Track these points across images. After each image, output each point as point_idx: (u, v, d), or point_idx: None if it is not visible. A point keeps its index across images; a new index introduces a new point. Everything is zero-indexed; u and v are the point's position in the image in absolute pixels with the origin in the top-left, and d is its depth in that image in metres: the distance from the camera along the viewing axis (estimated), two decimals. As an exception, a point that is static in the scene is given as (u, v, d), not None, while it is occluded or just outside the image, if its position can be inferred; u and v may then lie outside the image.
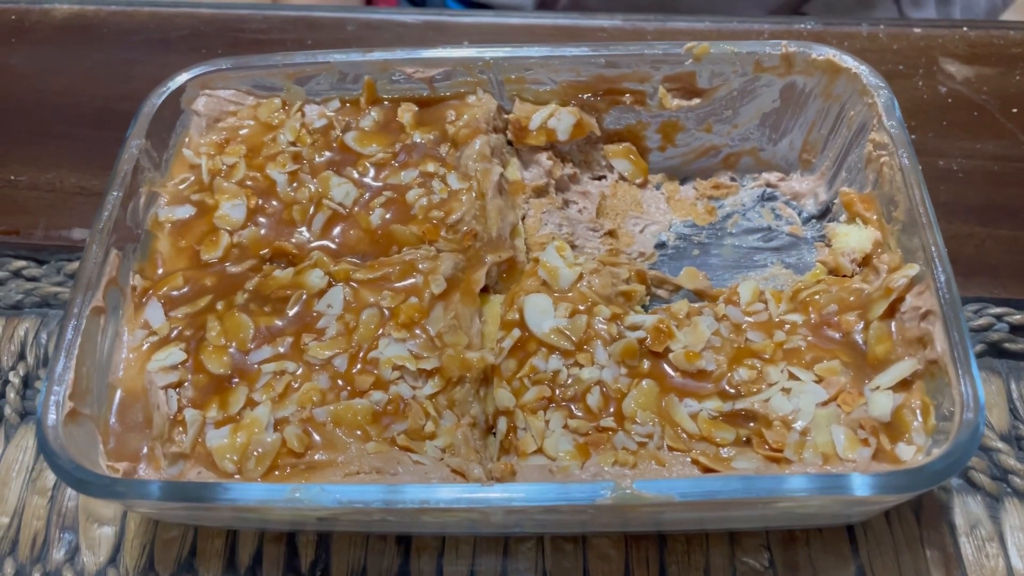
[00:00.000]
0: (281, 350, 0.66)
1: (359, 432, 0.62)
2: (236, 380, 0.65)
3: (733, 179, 0.83)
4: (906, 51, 0.95)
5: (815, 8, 1.24)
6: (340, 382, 0.64)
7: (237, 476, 0.61)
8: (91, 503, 0.72)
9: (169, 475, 0.62)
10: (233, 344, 0.66)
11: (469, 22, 1.01)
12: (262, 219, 0.74)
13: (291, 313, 0.68)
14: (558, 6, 1.23)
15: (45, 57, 1.01)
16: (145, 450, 0.64)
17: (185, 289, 0.70)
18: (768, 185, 0.82)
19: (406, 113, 0.79)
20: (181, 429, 0.63)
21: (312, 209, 0.74)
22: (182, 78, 0.77)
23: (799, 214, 0.81)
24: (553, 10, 1.22)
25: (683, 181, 0.84)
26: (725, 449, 0.61)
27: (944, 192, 0.84)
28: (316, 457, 0.61)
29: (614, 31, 0.98)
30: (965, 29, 0.96)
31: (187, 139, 0.78)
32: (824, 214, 0.80)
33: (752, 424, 0.61)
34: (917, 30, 0.96)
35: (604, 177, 0.83)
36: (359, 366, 0.65)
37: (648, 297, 0.75)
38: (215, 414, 0.63)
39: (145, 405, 0.65)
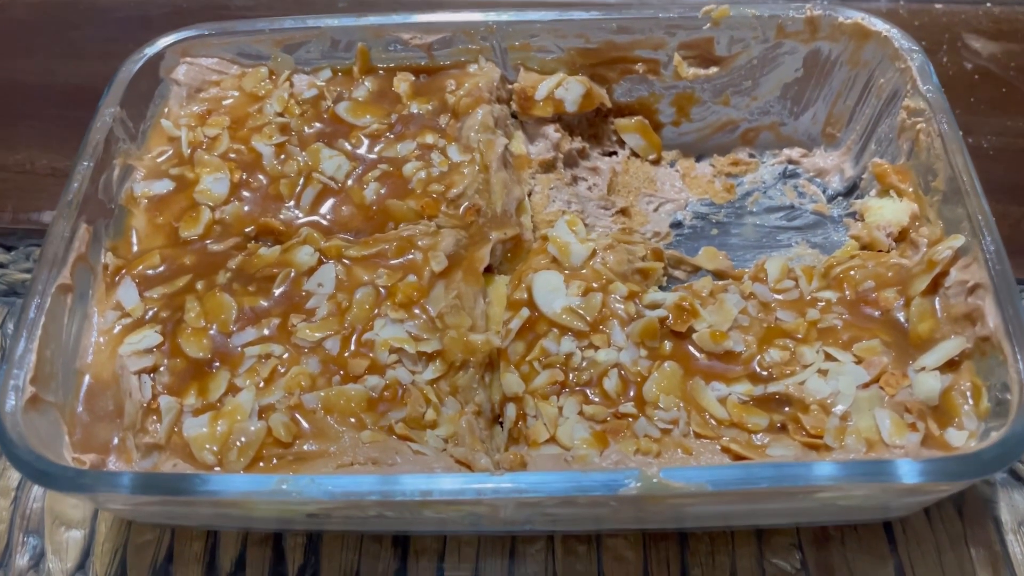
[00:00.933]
0: (266, 332, 0.60)
1: (353, 420, 0.56)
2: (217, 364, 0.59)
3: (752, 155, 0.78)
4: (929, 27, 0.90)
5: None
6: (332, 366, 0.59)
7: (217, 468, 0.55)
8: (58, 504, 0.66)
9: (142, 468, 0.56)
10: (214, 326, 0.60)
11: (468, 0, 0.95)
12: (246, 194, 0.68)
13: (278, 293, 0.62)
14: None
15: (17, 35, 0.96)
16: (116, 441, 0.58)
17: (162, 268, 0.64)
18: (790, 161, 0.77)
19: (403, 83, 0.73)
20: (155, 418, 0.57)
21: (301, 183, 0.68)
22: (161, 43, 0.72)
23: (824, 191, 0.75)
24: None
25: (699, 158, 0.79)
26: (758, 436, 0.55)
27: (975, 171, 0.79)
28: (305, 447, 0.55)
29: (619, 6, 0.93)
30: (989, 5, 0.92)
31: (166, 109, 0.72)
32: (851, 191, 0.74)
33: (787, 409, 0.56)
34: (939, 6, 0.92)
35: (615, 153, 0.77)
36: (352, 349, 0.59)
37: (665, 279, 0.69)
38: (193, 401, 0.57)
39: (116, 392, 0.59)
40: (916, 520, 0.63)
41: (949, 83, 0.86)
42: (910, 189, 0.66)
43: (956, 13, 0.91)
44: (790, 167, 0.77)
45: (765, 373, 0.57)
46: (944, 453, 0.53)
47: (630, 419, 0.56)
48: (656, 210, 0.75)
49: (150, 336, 0.60)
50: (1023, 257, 0.74)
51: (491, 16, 0.71)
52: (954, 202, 0.61)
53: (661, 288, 0.68)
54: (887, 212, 0.66)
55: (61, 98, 0.90)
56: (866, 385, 0.56)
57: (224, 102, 0.73)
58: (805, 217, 0.74)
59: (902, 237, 0.65)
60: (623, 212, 0.74)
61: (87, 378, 0.60)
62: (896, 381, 0.56)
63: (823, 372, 0.57)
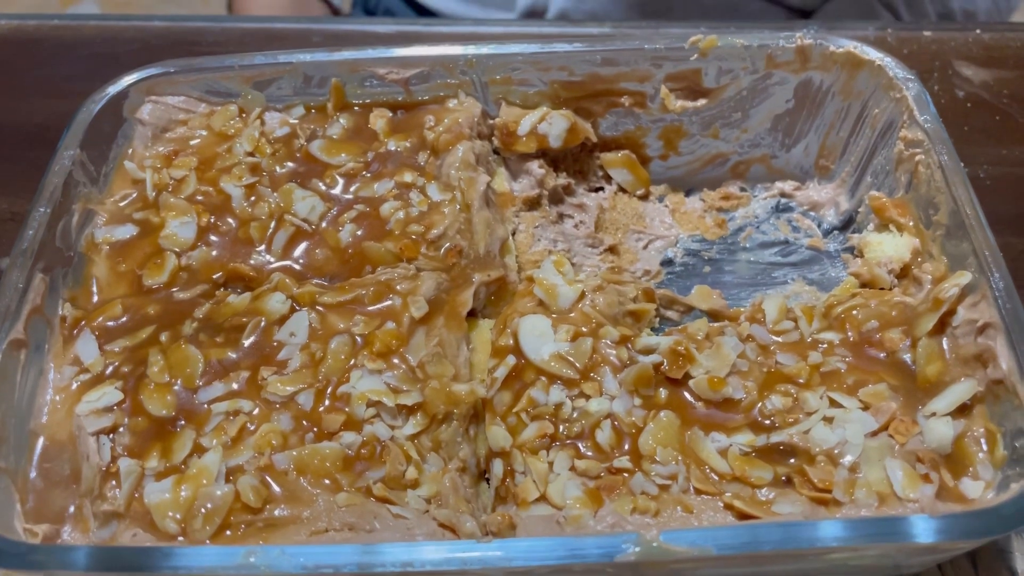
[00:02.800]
0: (235, 387, 0.56)
1: (328, 481, 0.52)
2: (182, 423, 0.55)
3: (743, 189, 0.75)
4: (918, 55, 0.88)
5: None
6: (305, 423, 0.55)
7: (181, 538, 0.50)
8: None
9: (99, 539, 0.52)
10: (179, 381, 0.57)
11: (447, 31, 0.93)
12: (214, 238, 0.64)
13: (247, 343, 0.58)
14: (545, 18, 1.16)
15: (-21, 74, 0.92)
16: (72, 509, 0.54)
17: (124, 319, 0.61)
18: (783, 195, 0.74)
19: (379, 119, 0.70)
20: (115, 483, 0.53)
21: (273, 226, 0.65)
22: (124, 82, 0.68)
23: (819, 225, 0.73)
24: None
25: (688, 192, 0.76)
26: (763, 490, 0.51)
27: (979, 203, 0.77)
28: (276, 513, 0.51)
29: (603, 38, 0.90)
30: (978, 32, 0.90)
31: (130, 151, 0.69)
32: (847, 225, 0.72)
33: (792, 460, 0.52)
34: (928, 33, 0.90)
35: (601, 189, 0.75)
36: (327, 403, 0.55)
37: (657, 319, 0.66)
38: (155, 464, 0.53)
39: (73, 455, 0.55)
40: (929, 575, 0.59)
41: (941, 112, 0.82)
42: (910, 223, 0.63)
43: (946, 40, 0.89)
44: (783, 201, 0.74)
45: (767, 422, 0.54)
46: (960, 506, 0.50)
47: (625, 475, 0.52)
48: (646, 247, 0.72)
49: (110, 393, 0.56)
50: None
51: (471, 49, 0.69)
52: (958, 236, 0.58)
53: (654, 330, 0.65)
54: (887, 248, 0.63)
55: (23, 138, 0.86)
56: (875, 433, 0.53)
57: (191, 142, 0.69)
58: (800, 252, 0.72)
59: (904, 274, 0.62)
60: (611, 250, 0.71)
61: (41, 440, 0.55)
62: (906, 428, 0.53)
63: (828, 420, 0.54)
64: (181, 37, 0.94)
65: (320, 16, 1.07)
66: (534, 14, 1.15)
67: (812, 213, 0.73)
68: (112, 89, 0.68)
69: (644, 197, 0.75)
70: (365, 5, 1.31)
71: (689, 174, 0.76)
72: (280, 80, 0.70)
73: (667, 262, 0.72)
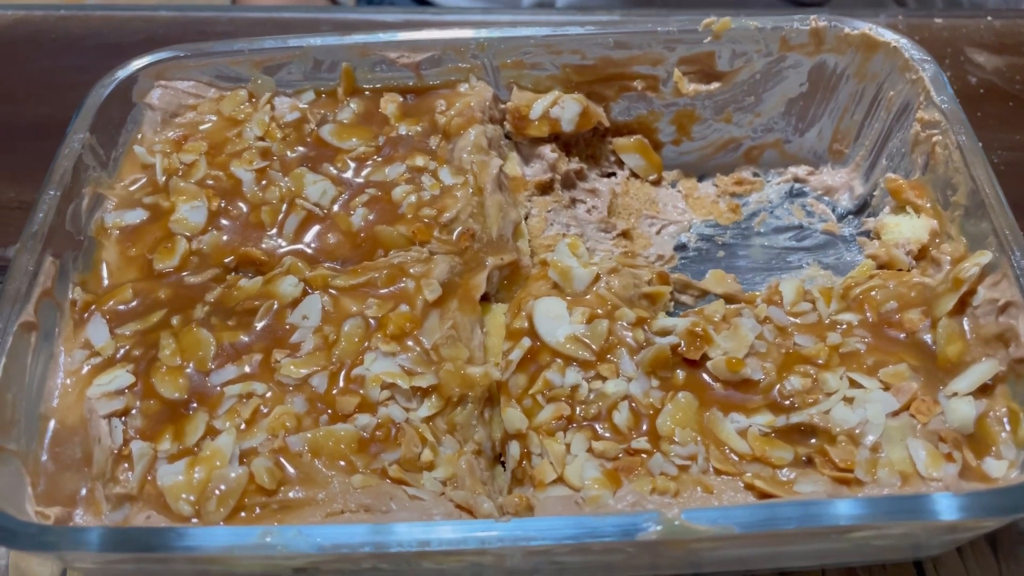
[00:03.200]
0: (248, 369, 0.56)
1: (343, 463, 0.52)
2: (194, 406, 0.54)
3: (756, 174, 0.75)
4: (930, 42, 0.88)
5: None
6: (319, 405, 0.54)
7: (195, 520, 0.50)
8: (24, 561, 0.60)
9: (112, 521, 0.51)
10: (191, 364, 0.56)
11: (455, 20, 0.92)
12: (225, 223, 0.64)
13: (259, 327, 0.58)
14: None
15: (-15, 65, 0.91)
16: (83, 492, 0.53)
17: (134, 303, 0.60)
18: (796, 180, 0.74)
19: (390, 104, 0.70)
20: (127, 465, 0.52)
21: (284, 210, 0.64)
22: (134, 66, 0.68)
23: (833, 210, 0.72)
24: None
25: (701, 178, 0.75)
26: (784, 470, 0.51)
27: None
28: (291, 495, 0.50)
29: (615, 24, 0.90)
30: (989, 19, 0.90)
31: (139, 136, 0.68)
32: (862, 209, 0.71)
33: (813, 440, 0.52)
34: (939, 20, 0.90)
35: (614, 174, 0.74)
36: (341, 385, 0.55)
37: (672, 304, 0.65)
38: (168, 446, 0.53)
39: (84, 439, 0.54)
40: (948, 558, 0.59)
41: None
42: (928, 204, 0.62)
43: (957, 27, 0.89)
44: (796, 185, 0.74)
45: (787, 402, 0.53)
46: (984, 485, 0.49)
47: (644, 455, 0.52)
48: (659, 232, 0.71)
49: (121, 376, 0.55)
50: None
51: (482, 33, 0.68)
52: (977, 216, 0.57)
53: (669, 314, 0.64)
54: (905, 229, 0.63)
55: (30, 130, 0.85)
56: (896, 413, 0.52)
57: (201, 127, 0.69)
58: (815, 237, 0.71)
59: (922, 255, 0.62)
60: (624, 235, 0.70)
61: (52, 423, 0.55)
62: (928, 408, 0.52)
63: (849, 400, 0.53)
64: (188, 27, 0.94)
65: (328, 6, 1.07)
66: (542, 5, 1.15)
67: (826, 198, 0.73)
68: (121, 73, 0.67)
69: (657, 182, 0.74)
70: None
71: (702, 159, 0.75)
72: (290, 65, 0.70)
73: (680, 247, 0.71)
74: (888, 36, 0.66)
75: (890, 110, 0.67)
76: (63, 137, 0.64)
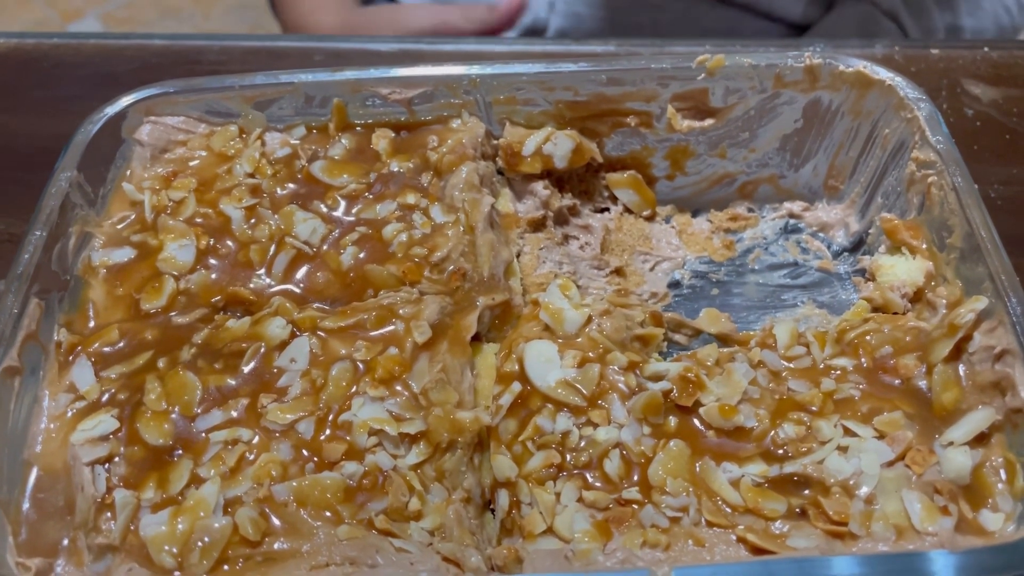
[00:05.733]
0: (234, 414, 0.55)
1: (328, 513, 0.51)
2: (179, 452, 0.54)
3: (751, 210, 0.74)
4: (926, 73, 0.87)
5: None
6: (305, 452, 0.53)
7: (178, 573, 0.49)
8: (5, 607, 0.59)
9: (94, 573, 0.50)
10: (176, 408, 0.55)
11: (449, 50, 0.92)
12: (214, 261, 0.63)
13: (246, 370, 0.57)
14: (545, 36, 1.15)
15: (-24, 94, 0.91)
16: (65, 542, 0.52)
17: (121, 344, 0.59)
18: (791, 216, 0.73)
19: (382, 139, 0.69)
20: (110, 515, 0.51)
21: (273, 249, 0.63)
22: (123, 102, 0.67)
23: (828, 247, 0.71)
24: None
25: (695, 213, 0.75)
26: (777, 523, 0.50)
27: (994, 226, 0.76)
28: (276, 546, 0.50)
29: (608, 56, 0.89)
30: (986, 50, 0.89)
31: (128, 172, 0.67)
32: (857, 246, 0.71)
33: (806, 491, 0.51)
34: (935, 51, 0.89)
35: (607, 209, 0.73)
36: (328, 432, 0.54)
37: (665, 343, 0.65)
38: (152, 495, 0.52)
39: (67, 486, 0.53)
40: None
41: (951, 131, 0.82)
42: (923, 246, 0.62)
43: (953, 59, 0.88)
44: (791, 221, 0.73)
45: (780, 451, 0.53)
46: (980, 539, 0.49)
47: (635, 506, 0.51)
48: (652, 269, 0.71)
49: (106, 422, 0.55)
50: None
51: (474, 69, 0.68)
52: (973, 260, 0.57)
53: (661, 354, 0.64)
54: (900, 271, 0.62)
55: (21, 160, 0.85)
56: (891, 463, 0.51)
57: (191, 163, 0.68)
58: (810, 274, 0.70)
59: (917, 298, 0.61)
60: (618, 272, 0.70)
61: (35, 470, 0.54)
62: (923, 458, 0.51)
63: (843, 449, 0.52)
64: (181, 56, 0.93)
65: (322, 35, 1.06)
66: (534, 32, 1.15)
67: (821, 234, 0.72)
68: (110, 110, 0.67)
69: (650, 218, 0.74)
70: None
71: (696, 194, 0.74)
72: (281, 100, 0.69)
73: (674, 284, 0.70)
74: (883, 74, 0.65)
75: (885, 148, 0.67)
76: (51, 173, 0.63)
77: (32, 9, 2.66)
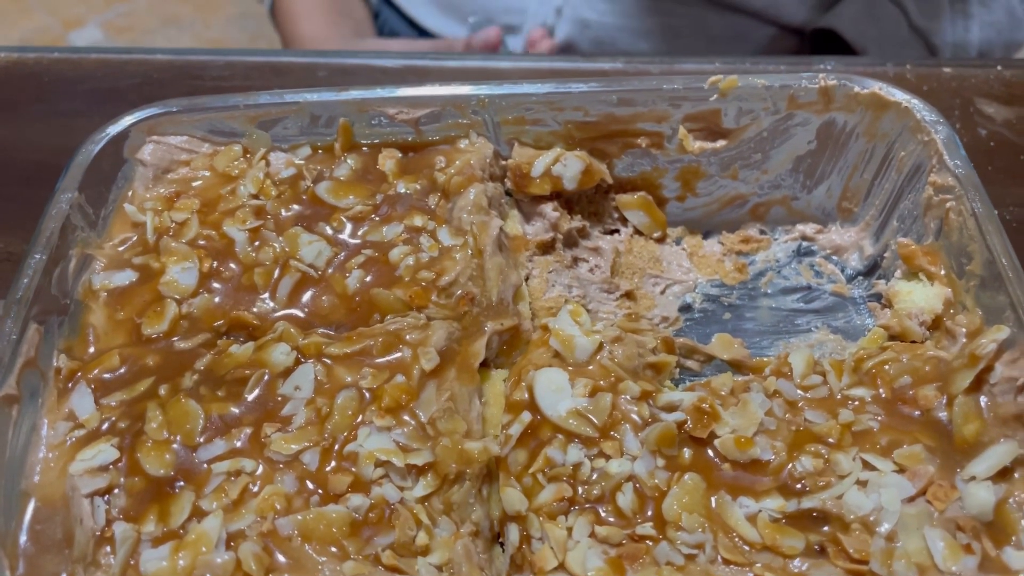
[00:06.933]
0: (237, 444, 0.54)
1: (334, 549, 0.50)
2: (180, 484, 0.52)
3: (763, 232, 0.73)
4: (938, 92, 0.86)
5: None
6: (310, 484, 0.52)
7: (178, 610, 0.48)
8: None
9: (92, 609, 0.49)
10: (178, 438, 0.54)
11: (455, 67, 0.91)
12: (217, 285, 0.62)
13: (250, 398, 0.56)
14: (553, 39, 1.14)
15: (-24, 109, 0.90)
16: (63, 576, 0.51)
17: (122, 370, 0.58)
18: (804, 238, 0.72)
19: (388, 160, 0.68)
20: (109, 548, 0.50)
21: (277, 272, 0.62)
22: (125, 122, 0.66)
23: (842, 270, 0.70)
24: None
25: (706, 235, 0.73)
26: (795, 561, 0.49)
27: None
28: (280, 583, 0.48)
29: (616, 74, 0.89)
30: (999, 68, 0.88)
31: (130, 193, 0.66)
32: (872, 270, 0.69)
33: (825, 528, 0.50)
34: (947, 70, 0.88)
35: (617, 231, 0.72)
36: (333, 463, 0.53)
37: (677, 369, 0.63)
38: (152, 528, 0.50)
39: (65, 518, 0.52)
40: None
41: (965, 150, 0.82)
42: (942, 272, 0.61)
43: (966, 77, 0.87)
44: (804, 244, 0.72)
45: (798, 485, 0.51)
46: (1005, 579, 0.47)
47: (649, 542, 0.50)
48: (663, 292, 0.69)
49: (106, 451, 0.53)
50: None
51: (483, 89, 0.67)
52: (994, 288, 0.56)
53: (673, 381, 0.62)
54: (918, 298, 0.61)
55: (21, 177, 0.84)
56: (912, 499, 0.50)
57: (194, 183, 0.67)
58: (824, 299, 0.69)
59: (935, 325, 0.60)
60: (628, 295, 0.68)
61: (33, 501, 0.53)
62: (945, 494, 0.50)
63: (862, 483, 0.51)
64: (184, 71, 0.92)
65: (326, 51, 1.05)
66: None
67: (835, 257, 0.71)
68: (112, 129, 0.66)
69: (661, 240, 0.72)
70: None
71: (707, 216, 0.73)
72: (286, 119, 0.68)
73: (685, 308, 0.69)
74: (899, 96, 0.64)
75: (901, 171, 0.66)
76: (51, 195, 0.62)
77: (33, 17, 2.66)
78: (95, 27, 2.63)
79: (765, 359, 0.63)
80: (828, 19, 1.08)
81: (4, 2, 2.67)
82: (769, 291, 0.70)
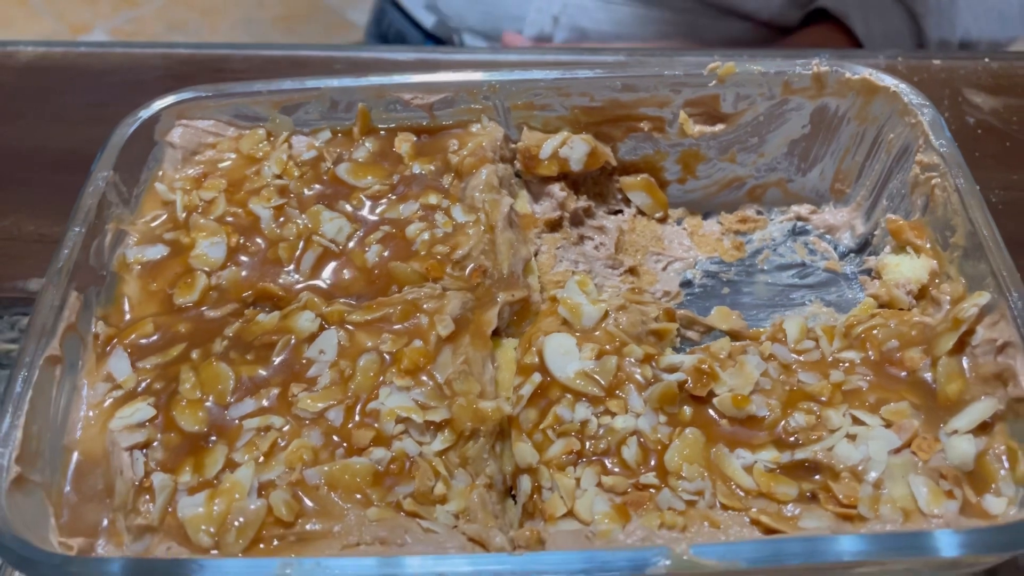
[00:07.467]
0: (266, 403, 0.57)
1: (358, 496, 0.53)
2: (214, 439, 0.56)
3: (760, 212, 0.77)
4: (928, 83, 0.90)
5: None
6: (335, 438, 0.56)
7: (214, 552, 0.51)
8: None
9: (133, 552, 0.52)
10: (210, 397, 0.58)
11: (465, 59, 0.95)
12: (244, 258, 0.66)
13: (277, 361, 0.59)
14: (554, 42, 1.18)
15: (5, 100, 0.94)
16: (105, 523, 0.54)
17: (155, 337, 0.62)
18: (799, 218, 0.76)
19: (404, 143, 0.72)
20: (148, 497, 0.53)
21: (301, 247, 0.66)
22: (156, 106, 0.70)
23: (835, 248, 0.74)
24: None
25: (706, 215, 0.77)
26: (789, 506, 0.52)
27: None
28: (308, 527, 0.52)
29: (621, 65, 0.92)
30: (987, 60, 0.92)
31: (160, 173, 0.70)
32: (863, 248, 0.73)
33: (817, 476, 0.53)
34: (937, 62, 0.92)
35: (621, 211, 0.76)
36: (357, 419, 0.56)
37: (678, 339, 0.67)
38: (188, 479, 0.54)
39: (106, 470, 0.56)
40: (950, 591, 0.60)
41: (954, 137, 0.85)
42: (927, 245, 0.64)
43: (955, 69, 0.91)
44: (799, 224, 0.76)
45: (791, 439, 0.55)
46: (984, 522, 0.51)
47: (652, 490, 0.53)
48: (664, 269, 0.73)
49: (143, 409, 0.57)
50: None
51: (494, 76, 0.70)
52: (976, 257, 0.59)
53: (675, 349, 0.66)
54: (905, 269, 0.64)
55: (50, 163, 0.88)
56: (898, 450, 0.53)
57: (220, 165, 0.71)
58: (817, 275, 0.73)
59: (922, 294, 0.63)
60: (631, 271, 0.72)
61: (75, 455, 0.56)
62: (928, 446, 0.53)
63: (852, 437, 0.54)
64: (205, 64, 0.96)
65: (343, 44, 1.09)
66: (540, 40, 1.18)
67: (828, 236, 0.75)
68: (144, 113, 0.69)
69: (663, 220, 0.76)
70: (378, 29, 1.34)
71: (707, 197, 0.77)
72: (308, 105, 0.72)
73: (686, 283, 0.73)
74: (888, 81, 0.68)
75: (890, 152, 0.69)
76: (87, 174, 0.66)
77: (41, 22, 2.70)
78: (102, 33, 2.67)
79: (761, 329, 0.66)
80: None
81: (12, 8, 2.72)
82: (765, 268, 0.73)
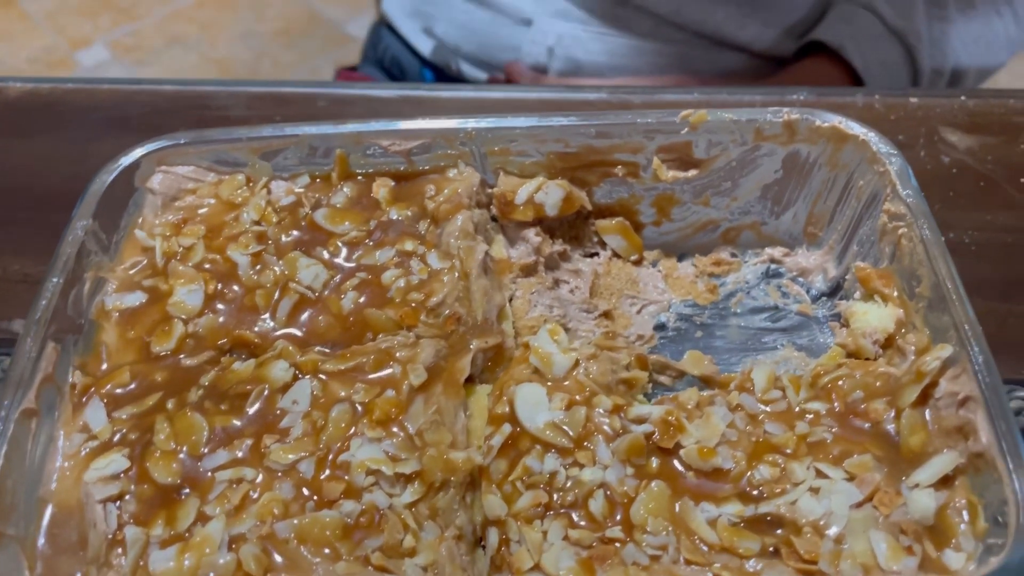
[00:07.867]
0: (239, 454, 0.58)
1: (327, 550, 0.54)
2: (187, 491, 0.57)
3: (734, 255, 0.78)
4: (905, 121, 0.91)
5: None
6: (306, 491, 0.56)
7: (185, 606, 0.52)
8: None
9: (105, 606, 0.53)
10: (184, 448, 0.58)
11: (448, 96, 0.96)
12: (221, 306, 0.67)
13: (251, 411, 0.60)
14: (547, 76, 1.19)
15: (-6, 137, 0.95)
16: (78, 576, 0.55)
17: (132, 386, 0.62)
18: (772, 261, 0.76)
19: (381, 188, 0.73)
20: (120, 551, 0.54)
21: (277, 294, 0.67)
22: (136, 153, 0.71)
23: (807, 291, 0.75)
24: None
25: (681, 258, 0.78)
26: (751, 562, 0.53)
27: (957, 267, 0.79)
28: (277, 581, 0.52)
29: (600, 104, 0.93)
30: (963, 98, 0.93)
31: (140, 219, 0.71)
32: (835, 291, 0.74)
33: (779, 531, 0.54)
34: (914, 100, 0.93)
35: (596, 254, 0.77)
36: (328, 471, 0.57)
37: (650, 384, 0.68)
38: (160, 532, 0.55)
39: (80, 522, 0.56)
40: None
41: (927, 177, 0.86)
42: (895, 294, 0.65)
43: (931, 107, 0.92)
44: (773, 266, 0.77)
45: (755, 492, 0.56)
46: (943, 578, 0.51)
47: (618, 544, 0.54)
48: (639, 312, 0.74)
49: (117, 461, 0.58)
50: (1010, 355, 0.73)
51: (470, 123, 0.71)
52: (940, 309, 0.60)
53: (647, 395, 0.67)
54: (872, 318, 0.65)
55: (36, 202, 0.88)
56: (859, 504, 0.54)
57: (200, 211, 0.72)
58: (790, 318, 0.73)
59: (888, 344, 0.64)
60: (606, 315, 0.73)
61: (50, 507, 0.57)
62: (890, 500, 0.54)
63: (815, 490, 0.55)
64: (190, 101, 0.97)
65: (326, 81, 1.10)
66: (536, 70, 1.19)
67: (801, 279, 0.75)
68: (124, 160, 0.70)
69: (638, 262, 0.77)
70: (375, 53, 1.35)
71: (681, 240, 0.78)
72: (286, 150, 0.73)
73: (660, 327, 0.74)
74: (857, 129, 0.69)
75: (860, 199, 0.70)
76: (68, 220, 0.67)
77: (41, 36, 2.72)
78: (102, 46, 2.69)
79: (733, 374, 0.67)
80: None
81: (12, 22, 2.74)
82: (738, 311, 0.74)
